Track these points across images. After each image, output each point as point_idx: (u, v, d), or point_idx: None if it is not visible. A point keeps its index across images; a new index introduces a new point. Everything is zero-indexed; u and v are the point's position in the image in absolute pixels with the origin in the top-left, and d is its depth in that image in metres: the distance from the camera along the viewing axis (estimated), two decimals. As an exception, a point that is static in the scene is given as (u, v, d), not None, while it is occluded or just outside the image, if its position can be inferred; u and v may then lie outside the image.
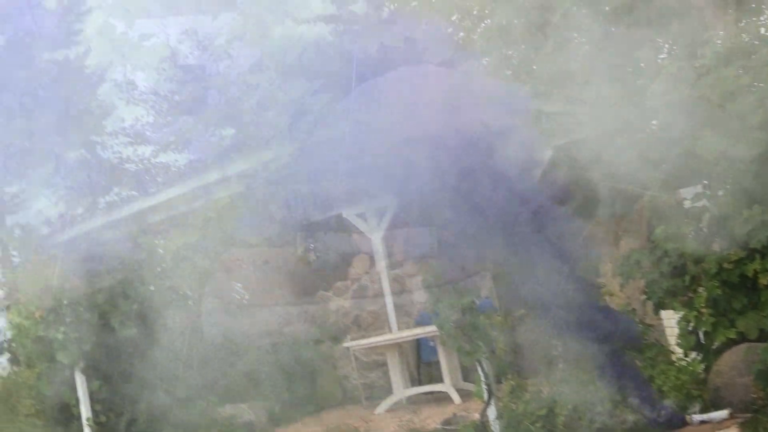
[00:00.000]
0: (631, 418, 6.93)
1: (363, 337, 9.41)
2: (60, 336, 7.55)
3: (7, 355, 8.01)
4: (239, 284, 8.16)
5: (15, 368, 8.10)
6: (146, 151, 9.86)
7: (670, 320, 7.92)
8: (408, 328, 9.42)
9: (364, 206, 9.09)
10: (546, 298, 7.03)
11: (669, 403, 7.06)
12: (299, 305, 8.54)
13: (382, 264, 8.70)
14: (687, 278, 7.56)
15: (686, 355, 7.52)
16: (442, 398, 9.05)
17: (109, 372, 7.87)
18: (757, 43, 7.79)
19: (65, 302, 7.90)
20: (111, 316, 7.84)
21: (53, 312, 7.78)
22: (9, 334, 8.08)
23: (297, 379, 8.13)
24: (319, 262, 8.65)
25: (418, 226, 8.95)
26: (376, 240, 8.91)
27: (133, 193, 9.14)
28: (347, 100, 9.51)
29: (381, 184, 9.09)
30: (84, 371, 7.96)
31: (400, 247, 8.84)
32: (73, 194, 9.32)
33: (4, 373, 7.99)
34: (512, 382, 7.42)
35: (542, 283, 7.05)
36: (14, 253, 8.58)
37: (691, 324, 7.49)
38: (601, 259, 8.26)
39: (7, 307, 8.12)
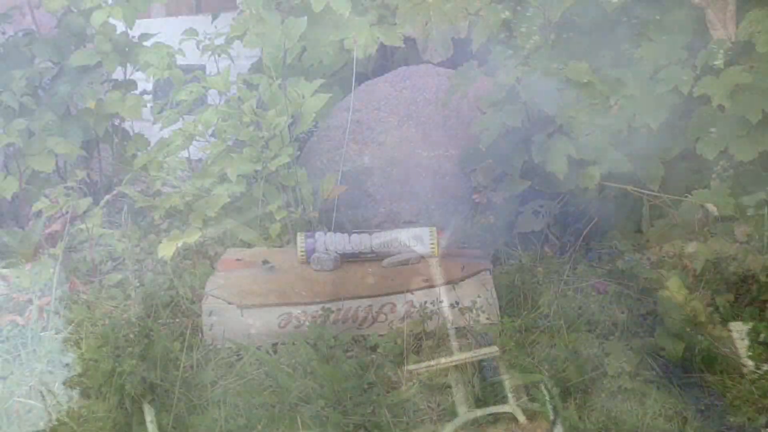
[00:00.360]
0: (702, 434, 6.77)
1: (424, 359, 9.37)
2: (128, 369, 7.68)
3: (77, 389, 8.18)
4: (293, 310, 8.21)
5: (85, 401, 8.27)
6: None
7: (740, 332, 7.73)
8: (470, 348, 9.34)
9: (419, 227, 9.12)
10: (606, 315, 6.94)
11: (741, 418, 6.90)
12: (358, 330, 8.57)
13: (440, 284, 8.67)
14: (755, 288, 7.39)
15: (758, 368, 7.33)
16: (508, 418, 8.92)
17: (175, 402, 7.98)
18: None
19: (132, 336, 8.06)
20: (174, 347, 7.98)
21: (120, 346, 7.94)
22: (78, 369, 8.25)
23: (359, 405, 8.12)
24: (376, 286, 8.68)
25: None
26: (433, 261, 8.89)
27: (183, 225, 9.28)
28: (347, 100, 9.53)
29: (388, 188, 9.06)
30: (152, 403, 8.08)
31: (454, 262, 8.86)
32: (135, 230, 9.51)
33: (75, 407, 8.16)
34: (577, 400, 7.32)
35: (596, 299, 6.97)
36: (81, 289, 8.80)
37: (762, 335, 7.32)
38: (663, 271, 8.11)
39: (76, 342, 8.32)
